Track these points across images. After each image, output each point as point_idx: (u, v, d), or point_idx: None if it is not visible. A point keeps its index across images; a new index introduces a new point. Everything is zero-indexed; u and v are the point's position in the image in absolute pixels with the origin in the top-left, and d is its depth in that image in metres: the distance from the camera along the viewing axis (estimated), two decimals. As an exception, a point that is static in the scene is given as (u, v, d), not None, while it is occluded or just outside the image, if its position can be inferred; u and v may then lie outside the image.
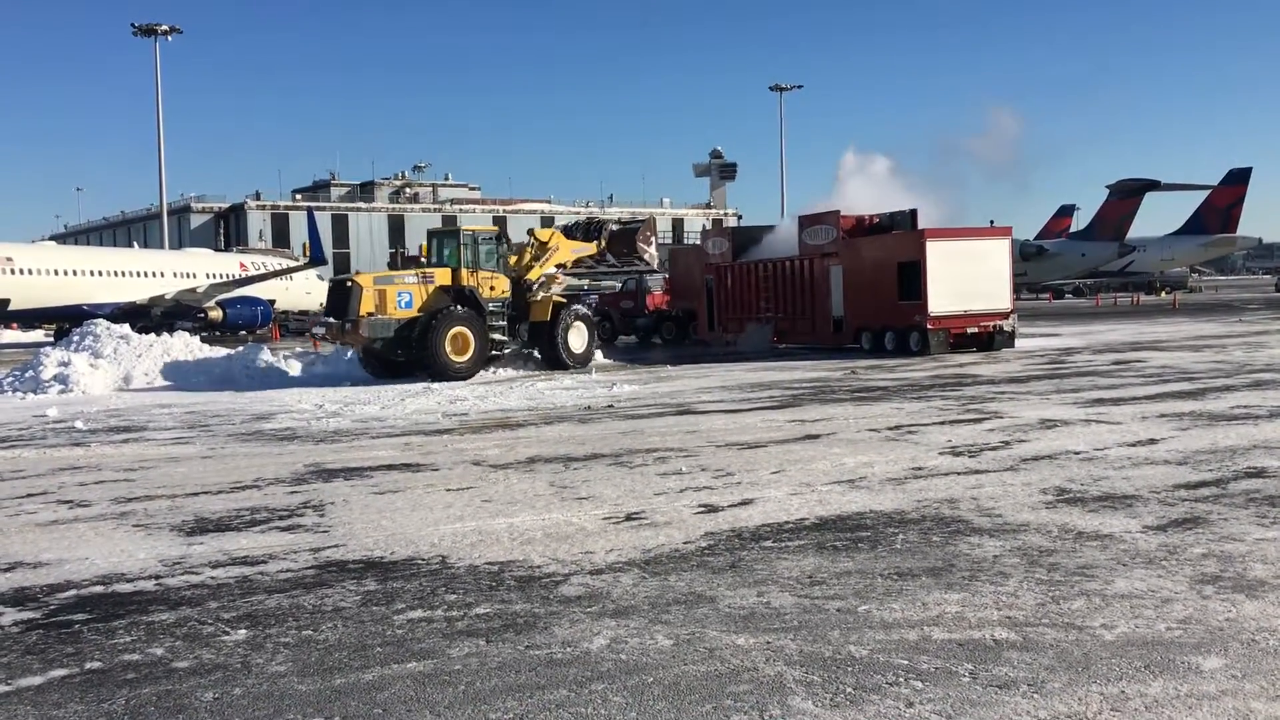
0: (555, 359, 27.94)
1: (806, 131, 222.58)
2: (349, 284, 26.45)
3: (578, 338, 28.32)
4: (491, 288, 27.34)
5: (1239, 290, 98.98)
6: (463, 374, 25.60)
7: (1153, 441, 12.98)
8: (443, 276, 26.88)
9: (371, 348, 26.33)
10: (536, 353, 28.40)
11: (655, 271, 32.80)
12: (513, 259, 28.86)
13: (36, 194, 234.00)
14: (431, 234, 29.34)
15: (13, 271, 46.55)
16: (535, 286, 28.53)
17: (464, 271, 26.88)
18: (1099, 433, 13.81)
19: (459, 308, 26.28)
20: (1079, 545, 8.10)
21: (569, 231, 31.59)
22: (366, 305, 25.71)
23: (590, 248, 30.81)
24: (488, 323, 26.76)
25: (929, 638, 6.16)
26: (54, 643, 6.58)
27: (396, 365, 26.55)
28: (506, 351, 28.14)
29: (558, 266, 29.93)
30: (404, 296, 26.19)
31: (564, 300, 28.73)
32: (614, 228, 32.13)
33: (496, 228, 31.44)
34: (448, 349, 25.59)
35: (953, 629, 6.30)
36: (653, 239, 32.12)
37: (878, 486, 10.64)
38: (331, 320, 26.42)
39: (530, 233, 30.40)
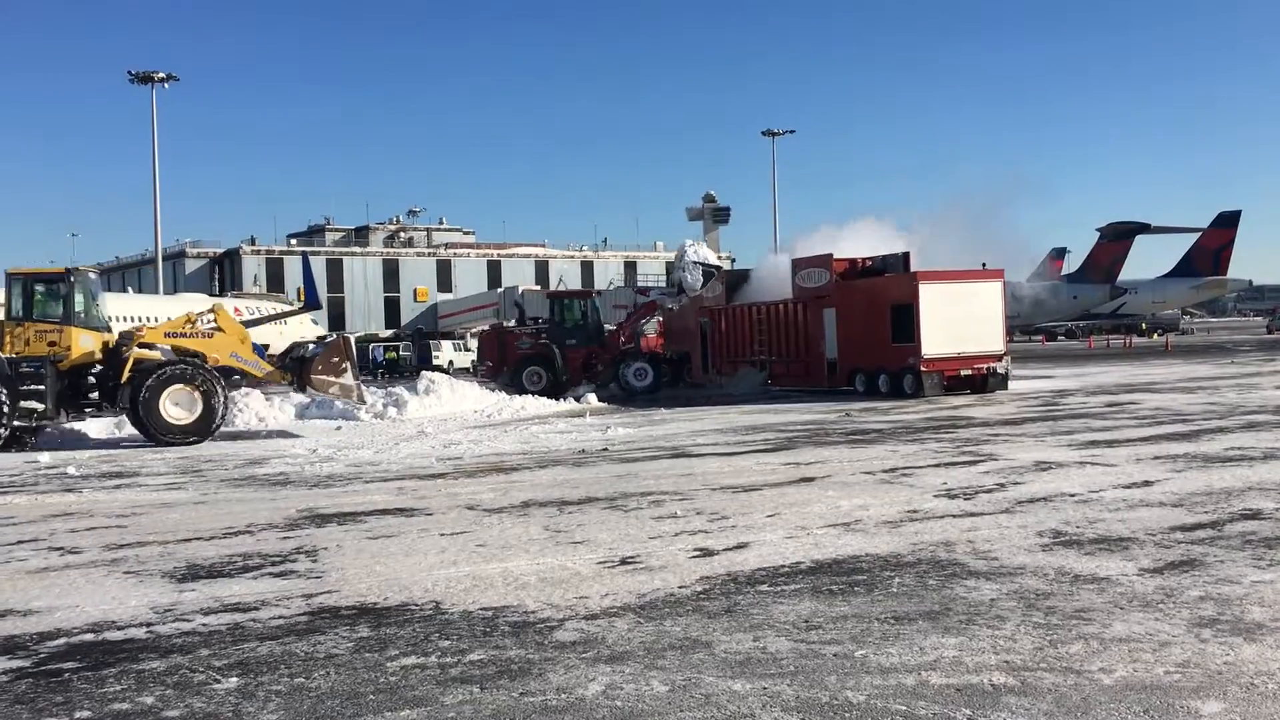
0: (140, 426, 22.77)
1: (799, 176, 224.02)
2: None
3: (180, 406, 22.64)
4: (52, 343, 22.47)
5: (1231, 332, 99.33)
6: None
7: (1148, 484, 12.97)
8: None
9: None
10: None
11: (352, 400, 26.10)
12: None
13: (32, 239, 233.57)
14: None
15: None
16: (129, 342, 23.56)
17: (6, 324, 22.42)
18: (1094, 475, 13.80)
19: None
20: (1076, 588, 8.07)
21: (282, 355, 27.38)
22: None
23: (259, 370, 25.67)
24: (17, 387, 21.88)
25: (926, 682, 6.12)
26: (44, 691, 6.51)
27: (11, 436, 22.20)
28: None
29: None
30: None
31: (158, 359, 23.30)
32: (305, 352, 26.56)
33: (62, 268, 24.98)
34: None
35: (950, 674, 6.26)
36: (346, 365, 25.95)
37: (873, 529, 10.60)
38: None
39: (213, 307, 26.43)
